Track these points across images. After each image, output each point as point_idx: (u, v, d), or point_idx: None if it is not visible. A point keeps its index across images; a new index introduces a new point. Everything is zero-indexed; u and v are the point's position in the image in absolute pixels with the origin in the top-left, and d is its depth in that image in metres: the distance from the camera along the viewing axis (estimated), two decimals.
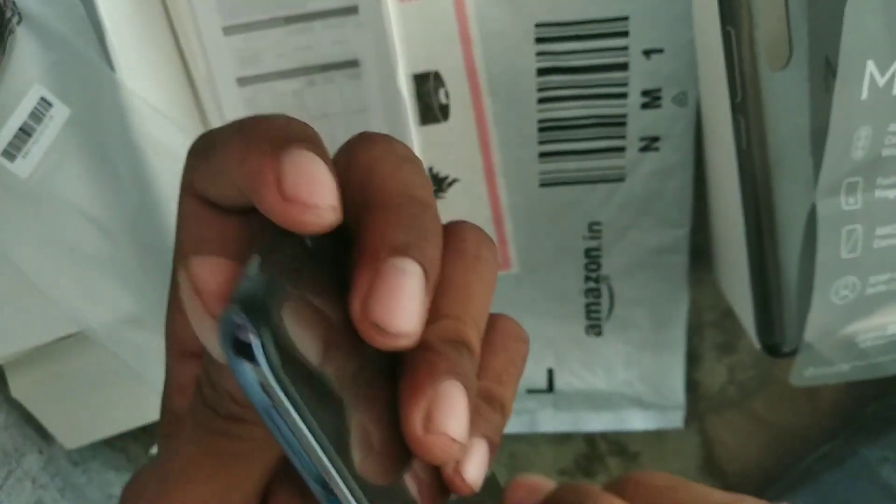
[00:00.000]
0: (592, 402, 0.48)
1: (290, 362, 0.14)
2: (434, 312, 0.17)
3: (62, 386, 0.44)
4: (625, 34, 0.38)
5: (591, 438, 0.51)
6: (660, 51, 0.38)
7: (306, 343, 0.15)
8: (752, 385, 0.49)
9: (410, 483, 0.17)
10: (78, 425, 0.46)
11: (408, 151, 0.18)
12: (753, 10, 0.31)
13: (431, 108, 0.40)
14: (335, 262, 0.17)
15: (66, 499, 0.48)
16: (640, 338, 0.46)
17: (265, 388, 0.14)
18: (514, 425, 0.49)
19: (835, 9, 0.29)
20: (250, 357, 0.14)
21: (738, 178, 0.34)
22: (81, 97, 0.36)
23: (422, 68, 0.39)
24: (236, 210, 0.18)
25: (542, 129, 0.40)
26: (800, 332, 0.36)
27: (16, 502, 0.44)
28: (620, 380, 0.47)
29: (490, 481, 0.18)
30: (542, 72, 0.39)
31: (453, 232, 0.18)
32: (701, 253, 0.44)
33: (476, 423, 0.17)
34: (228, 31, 0.38)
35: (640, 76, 0.39)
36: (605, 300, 0.45)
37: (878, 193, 0.33)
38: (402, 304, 0.15)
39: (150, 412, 0.47)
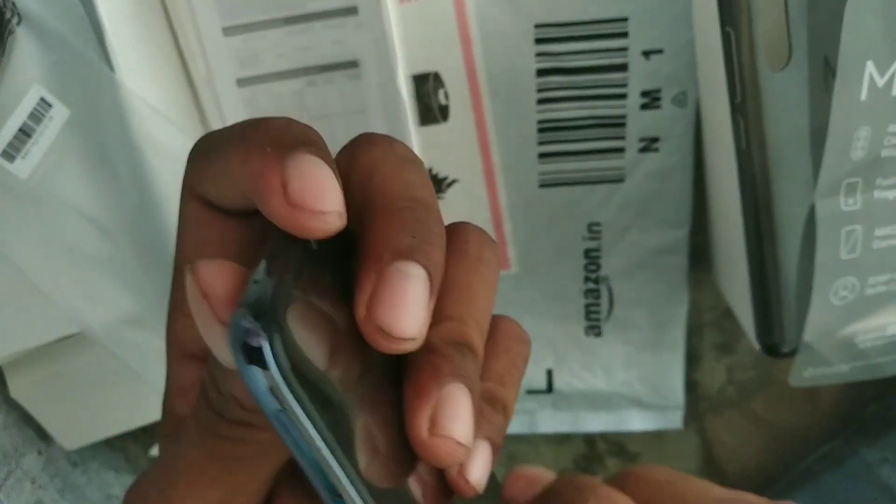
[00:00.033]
0: (592, 402, 0.48)
1: (298, 367, 0.14)
2: (437, 314, 0.17)
3: (62, 386, 0.44)
4: (624, 35, 0.38)
5: (590, 439, 0.51)
6: (659, 51, 0.38)
7: (313, 347, 0.15)
8: (751, 385, 0.49)
9: (414, 485, 0.17)
10: (77, 426, 0.46)
11: (409, 152, 0.18)
12: (753, 10, 0.31)
13: (431, 109, 0.40)
14: (338, 264, 0.17)
15: (65, 499, 0.48)
16: (640, 338, 0.46)
17: (275, 393, 0.14)
18: (513, 426, 0.49)
19: (834, 9, 0.29)
20: (261, 362, 0.14)
21: (738, 178, 0.34)
22: (81, 98, 0.36)
23: (421, 69, 0.39)
24: (238, 212, 0.18)
25: (541, 130, 0.40)
26: (799, 332, 0.36)
27: (15, 503, 0.44)
28: (620, 380, 0.47)
29: (491, 481, 0.18)
30: (541, 72, 0.39)
31: (456, 233, 0.18)
32: (701, 253, 0.44)
33: (479, 424, 0.17)
34: (228, 31, 0.37)
35: (639, 77, 0.39)
36: (604, 301, 0.45)
37: (878, 194, 0.33)
38: (406, 309, 0.15)
39: (149, 412, 0.47)
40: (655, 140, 0.40)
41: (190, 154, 0.19)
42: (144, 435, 0.50)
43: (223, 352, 0.15)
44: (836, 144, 0.31)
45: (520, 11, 0.38)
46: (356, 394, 0.16)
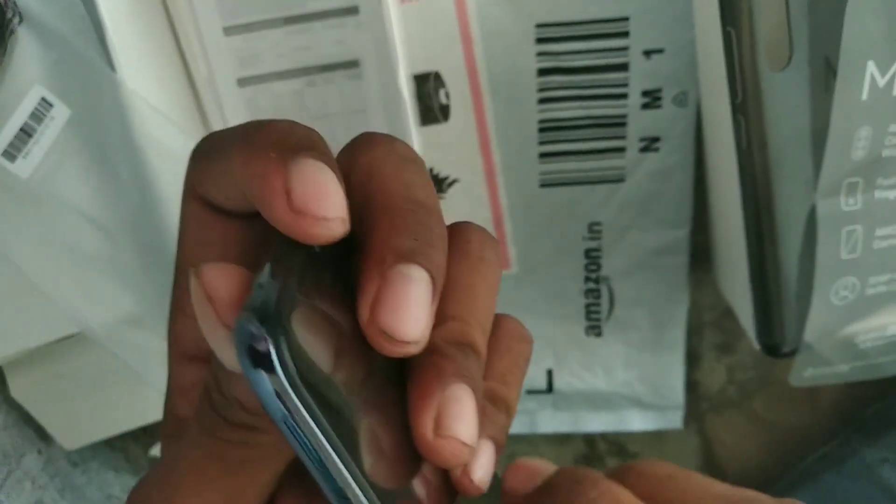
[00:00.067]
0: (592, 402, 0.48)
1: (304, 371, 0.14)
2: (440, 314, 0.17)
3: (62, 386, 0.44)
4: (625, 34, 0.38)
5: (590, 439, 0.51)
6: (660, 51, 0.38)
7: (317, 350, 0.15)
8: (751, 385, 0.49)
9: (418, 485, 0.17)
10: (77, 426, 0.46)
11: (410, 151, 0.18)
12: (754, 10, 0.31)
13: (432, 109, 0.40)
14: (339, 265, 0.17)
15: (65, 499, 0.47)
16: (640, 338, 0.46)
17: (282, 397, 0.14)
18: (513, 426, 0.48)
19: (835, 9, 0.29)
20: (267, 366, 0.14)
21: (738, 178, 0.34)
22: (82, 97, 0.36)
23: (422, 69, 0.39)
24: (239, 213, 0.18)
25: (542, 130, 0.40)
26: (799, 332, 0.36)
27: (15, 503, 0.44)
28: (620, 380, 0.47)
29: (493, 481, 0.18)
30: (542, 72, 0.39)
31: (457, 233, 0.18)
32: (701, 253, 0.44)
33: (483, 424, 0.17)
34: (229, 31, 0.37)
35: (640, 76, 0.39)
36: (604, 301, 0.45)
37: (878, 194, 0.33)
38: (409, 312, 0.15)
39: (149, 412, 0.47)
40: (656, 140, 0.40)
41: (192, 154, 0.18)
42: (144, 435, 0.50)
43: (227, 355, 0.15)
44: (837, 144, 0.31)
45: (521, 11, 0.38)
46: (360, 396, 0.16)
